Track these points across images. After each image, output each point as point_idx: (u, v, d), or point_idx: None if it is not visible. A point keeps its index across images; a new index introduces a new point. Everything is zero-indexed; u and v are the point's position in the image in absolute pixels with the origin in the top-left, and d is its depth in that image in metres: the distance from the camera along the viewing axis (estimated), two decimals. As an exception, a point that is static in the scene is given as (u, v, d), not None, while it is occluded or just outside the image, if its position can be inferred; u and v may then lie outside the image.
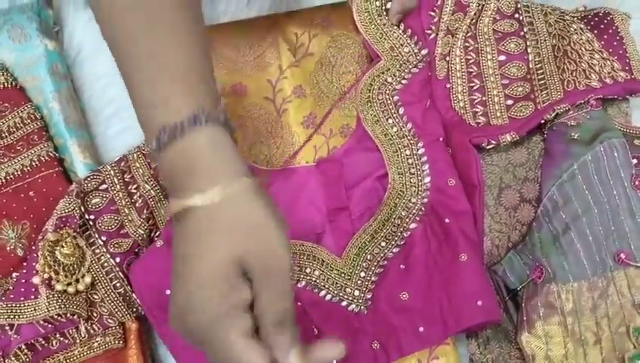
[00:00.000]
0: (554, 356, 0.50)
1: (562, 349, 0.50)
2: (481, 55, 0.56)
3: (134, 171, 0.56)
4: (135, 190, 0.56)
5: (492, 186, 0.57)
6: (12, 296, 0.50)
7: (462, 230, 0.51)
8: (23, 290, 0.51)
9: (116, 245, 0.54)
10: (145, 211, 0.55)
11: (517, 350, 0.54)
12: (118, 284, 0.53)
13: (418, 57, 0.57)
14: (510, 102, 0.55)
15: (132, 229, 0.55)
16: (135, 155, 0.56)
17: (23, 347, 0.51)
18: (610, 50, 0.57)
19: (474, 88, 0.56)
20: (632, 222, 0.52)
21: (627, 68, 0.57)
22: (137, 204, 0.55)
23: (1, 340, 0.51)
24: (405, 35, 0.57)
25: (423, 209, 0.52)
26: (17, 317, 0.50)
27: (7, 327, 0.50)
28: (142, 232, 0.55)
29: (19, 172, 0.55)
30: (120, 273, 0.53)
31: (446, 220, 0.52)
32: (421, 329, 0.50)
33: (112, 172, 0.55)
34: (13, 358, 0.50)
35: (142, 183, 0.56)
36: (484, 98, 0.56)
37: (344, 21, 0.62)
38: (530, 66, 0.56)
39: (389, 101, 0.56)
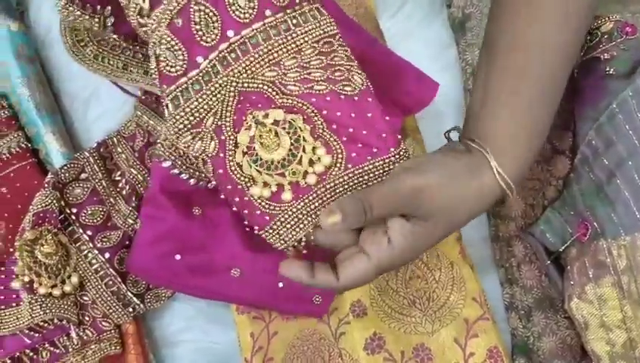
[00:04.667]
0: (610, 322, 0.44)
1: (619, 313, 0.44)
2: None
3: (116, 156, 0.50)
4: (119, 178, 0.50)
5: (520, 138, 0.51)
6: (-9, 305, 0.45)
7: None
8: (2, 297, 0.46)
9: (104, 239, 0.48)
10: (134, 198, 0.49)
11: (566, 319, 0.48)
12: (110, 282, 0.48)
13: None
14: None
15: (120, 220, 0.49)
16: (115, 139, 0.51)
17: (9, 362, 0.46)
18: None
19: None
20: (686, 162, 0.46)
21: None
22: (123, 192, 0.50)
23: (-19, 356, 0.45)
24: None
25: None
26: (-3, 328, 0.45)
27: (-12, 341, 0.45)
28: (132, 222, 0.49)
29: (-12, 167, 0.50)
30: (111, 269, 0.48)
31: None
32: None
33: (91, 159, 0.49)
34: (-3, 375, 0.45)
35: (127, 168, 0.50)
36: None
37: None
38: None
39: None
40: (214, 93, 0.35)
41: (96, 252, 0.48)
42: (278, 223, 0.38)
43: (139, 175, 0.50)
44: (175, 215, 0.46)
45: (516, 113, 0.38)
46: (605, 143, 0.47)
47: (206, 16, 0.33)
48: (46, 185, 0.48)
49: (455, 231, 0.39)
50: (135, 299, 0.48)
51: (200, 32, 0.34)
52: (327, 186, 0.37)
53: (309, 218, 0.37)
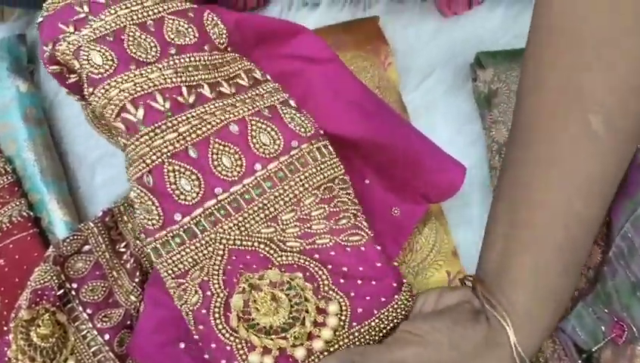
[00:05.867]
0: None
1: None
2: None
3: (121, 226, 0.48)
4: (124, 249, 0.48)
5: (549, 223, 0.48)
6: (-20, 391, 0.42)
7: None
8: (-8, 382, 0.42)
9: (104, 318, 0.45)
10: (138, 274, 0.47)
11: None
12: (108, 367, 0.44)
13: None
14: None
15: (122, 296, 0.46)
16: (121, 207, 0.48)
17: None
18: None
19: None
20: None
21: None
22: (127, 265, 0.47)
23: None
24: None
25: None
26: (-15, 417, 0.41)
27: None
28: (135, 299, 0.46)
29: (-14, 237, 0.47)
30: (110, 353, 0.45)
31: None
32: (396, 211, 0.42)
33: (95, 230, 0.47)
34: None
35: (132, 239, 0.47)
36: None
37: (358, 42, 0.54)
38: None
39: None
40: (199, 249, 0.32)
41: (95, 332, 0.45)
42: None
43: (145, 248, 0.47)
44: None
45: (539, 287, 0.35)
46: (642, 237, 0.44)
47: (183, 176, 0.31)
48: (46, 259, 0.45)
49: None
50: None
51: (177, 192, 0.31)
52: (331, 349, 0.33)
53: None
